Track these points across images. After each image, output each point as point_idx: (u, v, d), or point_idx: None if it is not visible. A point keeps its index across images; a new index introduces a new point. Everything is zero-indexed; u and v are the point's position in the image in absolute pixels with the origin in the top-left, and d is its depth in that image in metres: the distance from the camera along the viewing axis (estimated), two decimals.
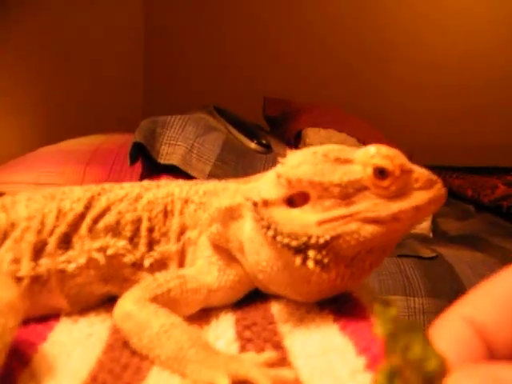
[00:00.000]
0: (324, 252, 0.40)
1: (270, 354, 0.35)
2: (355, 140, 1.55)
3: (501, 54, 2.59)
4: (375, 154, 0.41)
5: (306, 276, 0.41)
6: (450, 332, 0.25)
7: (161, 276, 0.43)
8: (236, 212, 0.46)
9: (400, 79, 2.61)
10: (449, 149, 2.52)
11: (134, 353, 0.37)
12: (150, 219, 0.48)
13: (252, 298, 0.46)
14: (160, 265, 0.47)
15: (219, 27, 2.61)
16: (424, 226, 1.56)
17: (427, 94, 2.61)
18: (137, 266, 0.46)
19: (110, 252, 0.46)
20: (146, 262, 0.46)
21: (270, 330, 0.39)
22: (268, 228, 0.41)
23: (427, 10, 2.62)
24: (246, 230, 0.45)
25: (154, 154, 1.13)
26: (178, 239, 0.48)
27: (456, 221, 1.70)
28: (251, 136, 1.27)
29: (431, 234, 1.55)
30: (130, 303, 0.40)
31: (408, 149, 1.79)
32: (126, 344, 0.38)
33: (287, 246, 0.40)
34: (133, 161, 1.09)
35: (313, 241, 0.40)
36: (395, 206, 0.41)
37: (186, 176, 1.12)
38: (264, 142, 1.26)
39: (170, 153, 1.13)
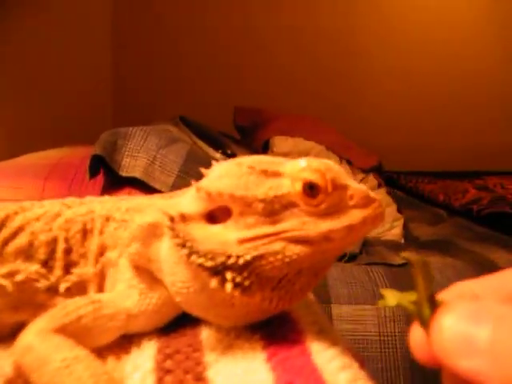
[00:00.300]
0: (245, 274, 0.36)
1: None
2: (323, 148, 1.54)
3: (474, 58, 2.63)
4: (305, 167, 0.38)
5: (227, 299, 0.38)
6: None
7: (72, 302, 0.39)
8: (159, 229, 0.42)
9: (371, 85, 2.63)
10: (420, 154, 2.54)
11: None
12: (66, 240, 0.44)
13: (183, 321, 0.42)
14: (78, 289, 0.43)
15: (188, 38, 2.59)
16: (395, 232, 1.55)
17: (398, 100, 2.63)
18: (52, 290, 0.42)
19: (19, 278, 0.42)
20: (62, 287, 0.42)
21: (194, 359, 0.35)
22: (183, 246, 0.37)
23: (400, 17, 2.64)
24: (164, 248, 0.41)
25: (116, 166, 1.10)
26: (97, 261, 0.44)
27: (428, 226, 1.70)
28: (216, 146, 1.25)
29: (403, 240, 1.55)
30: (31, 335, 0.36)
31: (379, 155, 1.79)
32: (27, 381, 0.34)
33: (202, 266, 0.36)
34: (92, 174, 1.06)
35: (231, 261, 0.36)
36: (326, 225, 0.38)
37: (150, 188, 1.09)
38: (229, 152, 1.23)
39: (131, 165, 1.09)
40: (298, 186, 0.38)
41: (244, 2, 2.59)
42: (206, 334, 0.40)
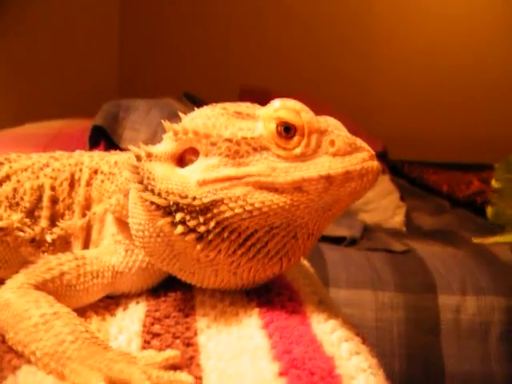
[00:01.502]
0: (200, 219, 0.33)
1: (171, 353, 0.30)
2: None
3: (480, 50, 2.59)
4: (280, 106, 0.35)
5: (188, 251, 0.34)
6: None
7: (54, 258, 0.37)
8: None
9: (380, 73, 2.59)
10: (426, 144, 2.51)
11: (10, 349, 0.32)
12: (53, 188, 0.42)
13: (176, 285, 0.40)
14: (63, 243, 0.41)
15: (196, 13, 2.55)
16: (397, 220, 1.54)
17: (407, 89, 2.59)
18: (36, 243, 0.41)
19: (1, 224, 0.40)
20: (47, 239, 0.41)
21: (184, 324, 0.33)
22: (140, 182, 0.35)
23: (407, 6, 2.60)
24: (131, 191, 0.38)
25: (116, 138, 1.08)
26: (84, 214, 0.42)
27: (430, 216, 1.68)
28: None
29: (404, 229, 1.53)
30: (9, 290, 0.34)
31: (384, 142, 1.76)
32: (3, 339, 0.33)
33: (155, 204, 0.34)
34: (92, 145, 1.04)
35: (186, 202, 0.33)
36: (298, 173, 0.34)
37: None
38: None
39: (133, 138, 1.08)
40: (272, 126, 0.35)
41: None
42: (199, 299, 0.38)
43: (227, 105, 0.37)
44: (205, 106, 0.38)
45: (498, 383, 0.99)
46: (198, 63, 2.52)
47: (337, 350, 0.28)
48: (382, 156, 1.68)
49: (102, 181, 0.43)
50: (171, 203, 0.33)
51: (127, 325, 0.34)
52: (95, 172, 0.44)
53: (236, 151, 0.34)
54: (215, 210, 0.33)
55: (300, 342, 0.29)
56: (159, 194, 0.34)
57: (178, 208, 0.33)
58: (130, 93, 2.44)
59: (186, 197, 0.33)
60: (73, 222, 0.42)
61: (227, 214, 0.33)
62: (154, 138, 1.08)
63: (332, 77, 2.54)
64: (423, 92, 2.59)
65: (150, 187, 0.34)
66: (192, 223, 0.33)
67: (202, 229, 0.33)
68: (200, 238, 0.33)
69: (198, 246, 0.33)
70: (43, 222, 0.41)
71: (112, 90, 2.46)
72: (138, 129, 1.08)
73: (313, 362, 0.26)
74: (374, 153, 0.36)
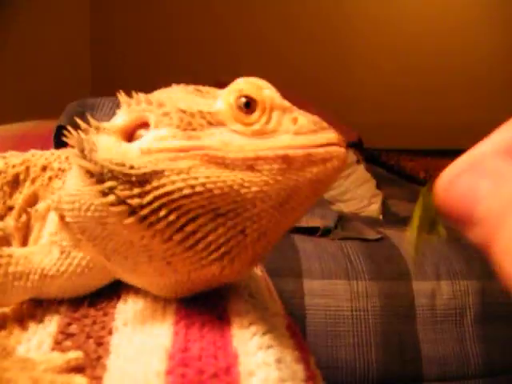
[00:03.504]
0: (135, 190, 0.29)
1: (73, 355, 0.28)
2: None
3: (453, 34, 2.60)
4: (242, 80, 0.32)
5: (117, 225, 0.30)
6: None
7: None
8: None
9: (354, 62, 2.59)
10: (402, 132, 2.52)
11: None
12: None
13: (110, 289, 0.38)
14: (3, 244, 0.39)
15: (170, 9, 2.52)
16: (373, 208, 1.54)
17: (381, 77, 2.59)
18: None
19: None
20: None
21: (101, 324, 0.32)
22: (81, 152, 0.31)
23: None
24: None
25: None
26: (22, 213, 0.40)
27: (407, 202, 1.68)
28: None
29: (381, 216, 1.53)
30: None
31: (360, 131, 1.76)
32: None
33: (89, 171, 0.30)
34: (57, 145, 1.02)
35: (123, 170, 0.29)
36: (252, 149, 0.30)
37: None
38: None
39: None
40: (231, 98, 0.32)
41: None
42: (122, 297, 0.36)
43: (189, 85, 0.35)
44: None
45: (474, 364, 1.00)
46: (173, 61, 2.49)
47: (246, 345, 0.27)
48: (357, 146, 1.68)
49: (50, 178, 0.40)
50: (105, 171, 0.30)
51: (43, 326, 0.33)
52: (43, 169, 0.41)
53: (188, 123, 0.31)
54: (154, 183, 0.29)
55: (204, 339, 0.27)
56: (96, 163, 0.30)
57: (112, 176, 0.30)
58: (103, 92, 2.41)
59: (123, 165, 0.30)
60: (9, 222, 0.40)
61: (167, 188, 0.29)
62: None
63: (305, 67, 2.53)
64: (397, 79, 2.60)
65: (88, 157, 0.31)
66: (124, 193, 0.29)
67: (135, 201, 0.29)
68: (132, 212, 0.30)
69: (129, 220, 0.30)
70: None
71: (85, 89, 2.42)
72: None
73: (208, 359, 0.24)
74: (341, 137, 0.32)
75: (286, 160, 0.30)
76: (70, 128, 0.34)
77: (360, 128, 2.02)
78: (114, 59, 2.51)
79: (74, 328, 0.31)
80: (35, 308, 0.36)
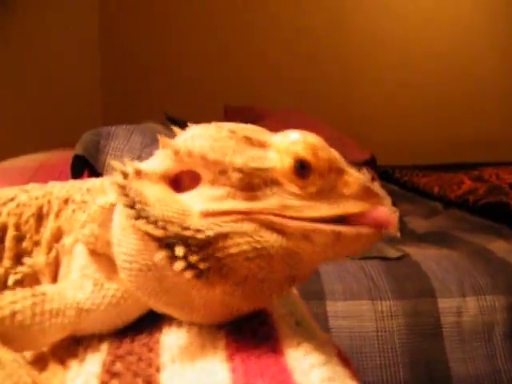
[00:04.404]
0: (203, 254, 0.29)
1: None
2: None
3: (465, 50, 2.60)
4: (298, 140, 0.32)
5: (180, 285, 0.31)
6: None
7: (8, 295, 0.33)
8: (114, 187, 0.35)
9: (364, 80, 2.60)
10: (414, 148, 2.51)
11: None
12: (17, 226, 0.39)
13: (147, 320, 0.37)
14: (32, 282, 0.38)
15: (177, 36, 2.55)
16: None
17: (391, 94, 2.60)
18: (0, 284, 0.38)
19: None
20: (11, 280, 0.37)
21: (147, 361, 0.30)
22: (131, 207, 0.31)
23: (392, 13, 2.62)
24: (115, 213, 0.34)
25: (99, 167, 1.06)
26: (50, 248, 0.39)
27: (423, 219, 1.67)
28: None
29: (399, 234, 1.51)
30: None
31: (373, 149, 1.76)
32: None
33: (150, 234, 0.30)
34: (74, 175, 1.02)
35: (188, 234, 0.29)
36: (310, 213, 0.31)
37: None
38: None
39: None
40: (287, 162, 0.31)
41: (233, 2, 2.56)
42: (164, 331, 0.35)
43: (233, 126, 0.34)
44: (204, 124, 0.35)
45: (507, 381, 0.97)
46: (182, 85, 2.52)
47: (307, 378, 0.26)
48: (370, 163, 1.68)
49: (73, 210, 0.40)
50: (170, 234, 0.30)
51: (86, 367, 0.31)
52: (65, 202, 0.40)
53: (247, 183, 0.31)
54: (219, 245, 0.30)
55: (266, 373, 0.26)
56: (155, 223, 0.30)
57: (178, 240, 0.30)
58: (114, 119, 2.44)
59: (188, 228, 0.30)
60: (39, 258, 0.39)
61: (232, 250, 0.30)
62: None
63: (316, 89, 2.54)
64: (406, 97, 2.60)
65: (143, 213, 0.30)
66: (193, 258, 0.30)
67: (202, 265, 0.30)
68: (199, 274, 0.30)
69: (192, 280, 0.30)
70: (6, 262, 0.38)
71: (96, 116, 2.45)
72: (120, 155, 1.06)
73: None
74: (389, 199, 0.35)
75: (339, 236, 0.32)
76: (115, 163, 0.34)
77: (371, 146, 2.02)
78: (123, 85, 2.54)
79: (119, 367, 0.30)
80: (75, 346, 0.35)
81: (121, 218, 0.33)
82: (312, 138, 0.33)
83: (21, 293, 0.34)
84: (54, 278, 0.39)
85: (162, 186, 0.32)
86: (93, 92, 2.43)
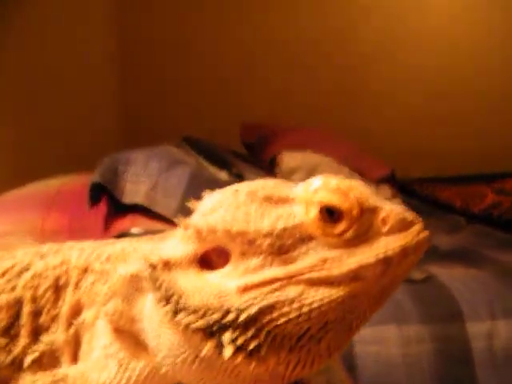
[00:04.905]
0: (250, 332, 0.28)
1: None
2: (333, 160, 1.49)
3: (481, 60, 2.57)
4: (320, 186, 0.30)
5: (230, 369, 0.29)
6: None
7: (30, 381, 0.32)
8: (144, 281, 0.34)
9: (380, 93, 2.58)
10: (434, 159, 2.48)
11: None
12: (34, 300, 0.36)
13: None
14: (50, 360, 0.35)
15: (191, 58, 2.57)
16: None
17: (408, 106, 2.57)
18: (17, 364, 0.35)
19: None
20: (27, 361, 0.35)
21: None
22: (167, 301, 0.29)
23: (401, 27, 2.60)
24: (148, 304, 0.33)
25: (118, 193, 1.06)
26: (70, 324, 0.36)
27: (446, 234, 1.63)
28: (222, 166, 1.21)
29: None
30: None
31: (392, 162, 1.73)
32: None
33: (192, 327, 0.28)
34: (92, 203, 1.02)
35: (231, 317, 0.28)
36: (353, 260, 0.30)
37: (155, 214, 1.05)
38: (235, 171, 1.19)
39: (134, 191, 1.06)
40: (314, 213, 0.30)
41: (248, 19, 2.56)
42: None
43: (251, 187, 0.32)
44: (221, 191, 0.33)
45: None
46: (199, 105, 2.53)
47: None
48: (390, 179, 1.65)
49: (93, 282, 0.37)
50: (211, 322, 0.28)
51: None
52: (85, 271, 0.37)
53: (279, 247, 0.30)
54: (265, 319, 0.28)
55: None
56: (195, 312, 0.29)
57: (222, 326, 0.28)
58: (131, 141, 2.46)
59: (229, 310, 0.28)
60: (57, 335, 0.36)
61: (281, 321, 0.28)
62: (156, 188, 1.06)
63: (333, 105, 2.53)
64: (424, 108, 2.57)
65: (180, 305, 0.29)
66: (241, 340, 0.28)
67: (252, 344, 0.28)
68: (250, 354, 0.28)
69: (243, 362, 0.28)
70: (23, 340, 0.36)
71: (112, 139, 2.46)
72: (137, 181, 1.06)
73: None
74: (422, 221, 0.32)
75: (386, 261, 0.30)
76: (145, 257, 0.32)
77: (390, 158, 1.99)
78: (140, 106, 2.55)
79: None
80: None
81: (155, 309, 0.31)
82: (335, 181, 0.31)
83: (42, 378, 0.33)
84: (74, 356, 0.36)
85: (193, 271, 0.31)
86: (109, 114, 2.45)
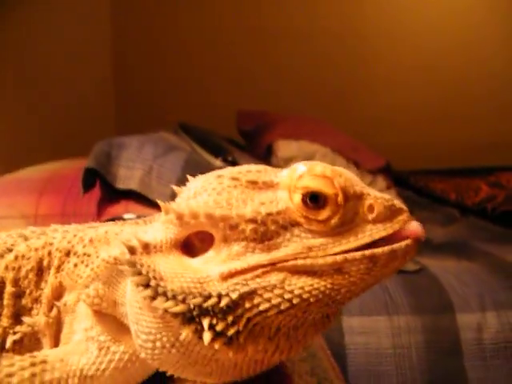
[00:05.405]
0: (230, 318, 0.27)
1: None
2: (329, 150, 1.48)
3: (479, 51, 2.56)
4: (304, 172, 0.30)
5: (209, 355, 0.29)
6: None
7: (5, 366, 0.31)
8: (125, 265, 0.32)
9: (378, 84, 2.57)
10: (430, 151, 2.47)
11: None
12: (16, 281, 0.36)
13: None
14: (32, 341, 0.35)
15: (190, 43, 2.54)
16: None
17: (405, 98, 2.56)
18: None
19: None
20: (9, 340, 0.35)
21: None
22: (146, 285, 0.29)
23: (407, 15, 2.59)
24: (128, 288, 0.32)
25: (111, 178, 1.05)
26: (52, 306, 0.36)
27: (440, 227, 1.63)
28: (216, 153, 1.20)
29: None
30: None
31: (387, 154, 1.73)
32: None
33: (170, 312, 0.28)
34: (86, 188, 1.01)
35: (211, 302, 0.27)
36: (338, 249, 0.29)
37: (149, 200, 1.04)
38: (230, 158, 1.18)
39: (128, 177, 1.05)
40: (297, 198, 0.29)
41: (247, 5, 2.54)
42: None
43: (234, 172, 0.31)
44: (204, 176, 0.32)
45: None
46: (196, 92, 2.51)
47: None
48: (385, 171, 1.65)
49: (75, 264, 0.36)
50: (192, 307, 0.28)
51: None
52: (67, 254, 0.37)
53: (263, 233, 0.29)
54: (247, 305, 0.28)
55: None
56: (174, 298, 0.28)
57: (202, 311, 0.28)
58: (127, 127, 2.45)
59: (210, 296, 0.28)
60: (38, 317, 0.36)
61: (262, 307, 0.28)
62: (150, 173, 1.05)
63: (329, 92, 2.52)
64: (421, 100, 2.56)
65: (160, 290, 0.28)
66: (220, 326, 0.28)
67: (231, 331, 0.28)
68: (229, 341, 0.28)
69: (222, 348, 0.28)
70: (5, 321, 0.35)
71: (109, 123, 2.45)
72: (132, 166, 1.05)
73: None
74: (408, 211, 0.32)
75: (373, 259, 0.29)
76: (123, 240, 0.31)
77: (386, 150, 1.98)
78: (136, 92, 2.53)
79: None
80: None
81: (136, 296, 0.31)
82: (320, 167, 0.30)
83: (19, 362, 0.32)
84: (56, 338, 0.36)
85: (174, 255, 0.30)
86: (105, 99, 2.43)
